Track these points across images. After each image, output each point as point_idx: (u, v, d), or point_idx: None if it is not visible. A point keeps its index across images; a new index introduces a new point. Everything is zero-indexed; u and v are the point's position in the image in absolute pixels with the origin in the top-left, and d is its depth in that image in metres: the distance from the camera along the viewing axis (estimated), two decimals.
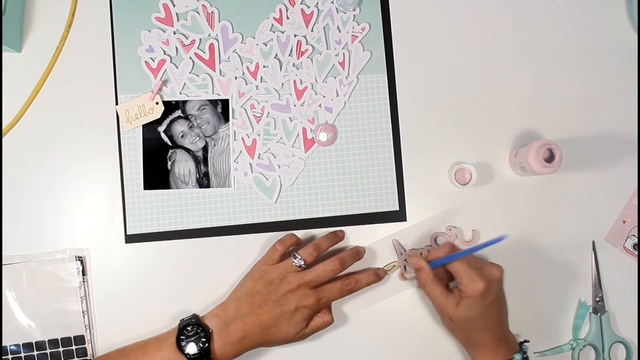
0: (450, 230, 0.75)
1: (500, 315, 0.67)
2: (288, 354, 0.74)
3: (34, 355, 0.74)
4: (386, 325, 0.75)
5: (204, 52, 0.76)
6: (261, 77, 0.76)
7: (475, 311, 0.65)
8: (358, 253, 0.72)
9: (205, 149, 0.76)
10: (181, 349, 0.64)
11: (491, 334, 0.66)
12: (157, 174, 0.75)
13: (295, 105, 0.76)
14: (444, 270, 0.69)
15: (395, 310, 0.75)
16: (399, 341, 0.75)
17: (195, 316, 0.68)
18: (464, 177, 0.75)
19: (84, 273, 0.74)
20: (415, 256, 0.69)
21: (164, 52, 0.76)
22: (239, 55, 0.76)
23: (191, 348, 0.64)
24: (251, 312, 0.66)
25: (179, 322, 0.68)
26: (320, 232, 0.76)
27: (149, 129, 0.76)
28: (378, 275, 0.71)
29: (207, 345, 0.64)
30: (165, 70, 0.76)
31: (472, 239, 0.75)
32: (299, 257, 0.68)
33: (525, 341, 0.69)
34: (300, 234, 0.75)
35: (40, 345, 0.74)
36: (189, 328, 0.66)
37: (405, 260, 0.75)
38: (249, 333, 0.66)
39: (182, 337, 0.65)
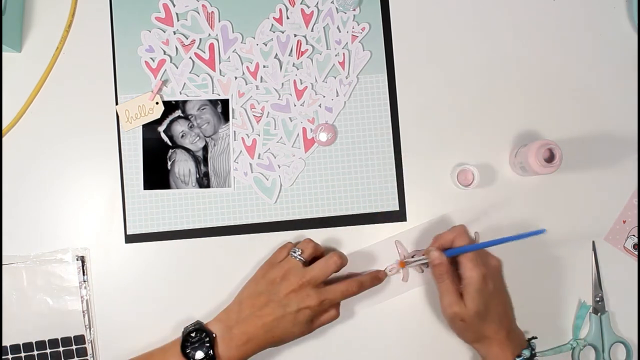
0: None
1: (504, 306, 0.68)
2: (287, 351, 0.74)
3: (34, 355, 0.74)
4: (387, 326, 0.75)
5: (204, 52, 0.76)
6: (261, 77, 0.76)
7: (481, 300, 0.65)
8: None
9: (205, 149, 0.76)
10: (186, 356, 0.64)
11: (499, 326, 0.66)
12: (157, 174, 0.75)
13: (295, 105, 0.76)
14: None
15: (396, 312, 0.75)
16: (399, 342, 0.75)
17: (198, 322, 0.68)
18: (467, 178, 0.75)
19: (84, 273, 0.74)
20: (436, 251, 0.68)
21: (164, 52, 0.76)
22: (239, 55, 0.76)
23: (196, 354, 0.64)
24: (253, 314, 0.66)
25: (182, 329, 0.67)
26: (320, 232, 0.75)
27: (149, 129, 0.76)
28: (380, 279, 0.71)
29: (211, 350, 0.64)
30: (165, 70, 0.76)
31: (475, 240, 0.75)
32: (297, 250, 0.68)
33: (534, 337, 0.69)
34: (300, 234, 0.75)
35: (40, 345, 0.74)
36: (192, 334, 0.65)
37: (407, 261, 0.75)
38: (253, 336, 0.65)
39: (186, 343, 0.65)
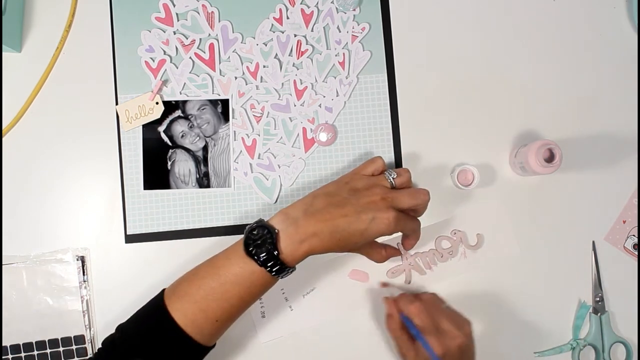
0: (455, 234, 0.75)
1: None
2: (288, 349, 0.74)
3: (34, 355, 0.74)
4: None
5: (204, 52, 0.76)
6: (261, 77, 0.76)
7: None
8: (417, 237, 0.68)
9: (205, 149, 0.76)
10: (249, 254, 0.60)
11: None
12: (157, 174, 0.75)
13: (295, 105, 0.76)
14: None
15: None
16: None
17: (260, 220, 0.63)
18: (467, 178, 0.75)
19: (84, 273, 0.74)
20: (389, 301, 0.69)
21: (164, 52, 0.76)
22: (239, 55, 0.76)
23: (259, 251, 0.60)
24: (325, 210, 0.61)
25: (246, 228, 0.63)
26: None
27: (149, 129, 0.76)
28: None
29: (274, 247, 0.60)
30: (165, 70, 0.76)
31: (477, 243, 0.75)
32: (393, 173, 0.65)
33: None
34: None
35: (40, 345, 0.74)
36: (255, 232, 0.61)
37: (410, 264, 0.75)
38: (319, 231, 0.60)
39: (249, 241, 0.60)
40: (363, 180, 0.64)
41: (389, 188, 0.64)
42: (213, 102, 0.76)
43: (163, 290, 0.63)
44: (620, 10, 0.78)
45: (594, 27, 0.78)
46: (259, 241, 0.60)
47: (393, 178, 0.64)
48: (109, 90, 0.76)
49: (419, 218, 0.66)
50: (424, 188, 0.65)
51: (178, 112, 0.76)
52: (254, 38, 0.77)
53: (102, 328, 0.74)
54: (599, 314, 0.75)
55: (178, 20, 0.76)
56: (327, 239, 0.60)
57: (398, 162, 0.76)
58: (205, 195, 0.76)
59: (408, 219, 0.63)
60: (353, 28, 0.77)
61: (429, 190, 0.64)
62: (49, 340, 0.74)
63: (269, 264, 0.59)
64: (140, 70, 0.76)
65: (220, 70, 0.76)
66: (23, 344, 0.74)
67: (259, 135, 0.76)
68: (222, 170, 0.76)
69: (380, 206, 0.61)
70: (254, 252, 0.60)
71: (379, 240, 0.66)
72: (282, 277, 0.61)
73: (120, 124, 0.76)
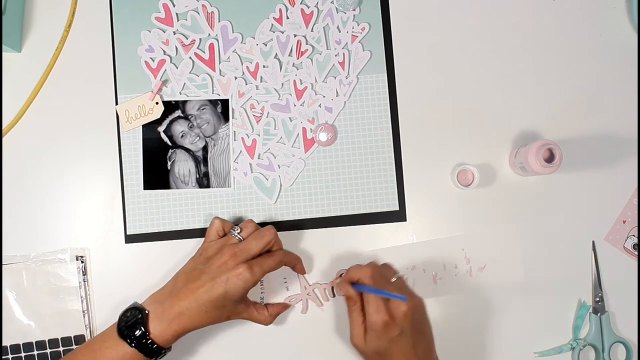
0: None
1: (414, 349, 0.64)
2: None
3: (34, 355, 0.74)
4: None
5: (204, 52, 0.76)
6: (261, 77, 0.76)
7: (381, 344, 0.63)
8: (297, 260, 0.72)
9: (205, 149, 0.76)
10: (122, 336, 0.63)
11: None
12: (157, 174, 0.76)
13: (295, 105, 0.76)
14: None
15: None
16: None
17: (134, 302, 0.66)
18: (467, 178, 0.75)
19: (84, 273, 0.74)
20: (344, 284, 0.67)
21: (164, 52, 0.76)
22: (239, 55, 0.76)
23: (129, 332, 0.63)
24: (185, 287, 0.65)
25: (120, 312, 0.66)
26: (320, 232, 0.76)
27: (149, 129, 0.76)
28: (299, 260, 0.73)
29: (143, 327, 0.63)
30: (165, 70, 0.76)
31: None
32: (237, 229, 0.69)
33: None
34: (300, 234, 0.75)
35: (40, 345, 0.74)
36: (128, 314, 0.64)
37: (308, 294, 0.75)
38: (185, 309, 0.64)
39: (122, 324, 0.64)
40: (213, 247, 0.68)
41: (237, 244, 0.67)
42: (213, 102, 0.76)
43: None
44: (620, 10, 0.78)
45: (594, 27, 0.78)
46: (130, 322, 0.63)
47: (238, 233, 0.69)
48: (109, 90, 0.76)
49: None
50: (268, 225, 0.69)
51: (178, 112, 0.76)
52: (254, 38, 0.77)
53: (102, 328, 0.74)
54: (599, 314, 0.75)
55: (178, 20, 0.76)
56: (195, 315, 0.64)
57: (398, 162, 0.76)
58: (205, 195, 0.76)
59: (266, 260, 0.67)
60: (353, 28, 0.77)
61: (272, 226, 0.69)
62: (49, 340, 0.74)
63: (139, 345, 0.62)
64: (140, 70, 0.76)
65: (220, 70, 0.76)
66: (23, 344, 0.74)
67: (259, 135, 0.76)
68: (222, 170, 0.76)
69: (230, 265, 0.65)
70: (125, 333, 0.63)
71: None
72: (157, 359, 0.64)
73: (120, 124, 0.76)
